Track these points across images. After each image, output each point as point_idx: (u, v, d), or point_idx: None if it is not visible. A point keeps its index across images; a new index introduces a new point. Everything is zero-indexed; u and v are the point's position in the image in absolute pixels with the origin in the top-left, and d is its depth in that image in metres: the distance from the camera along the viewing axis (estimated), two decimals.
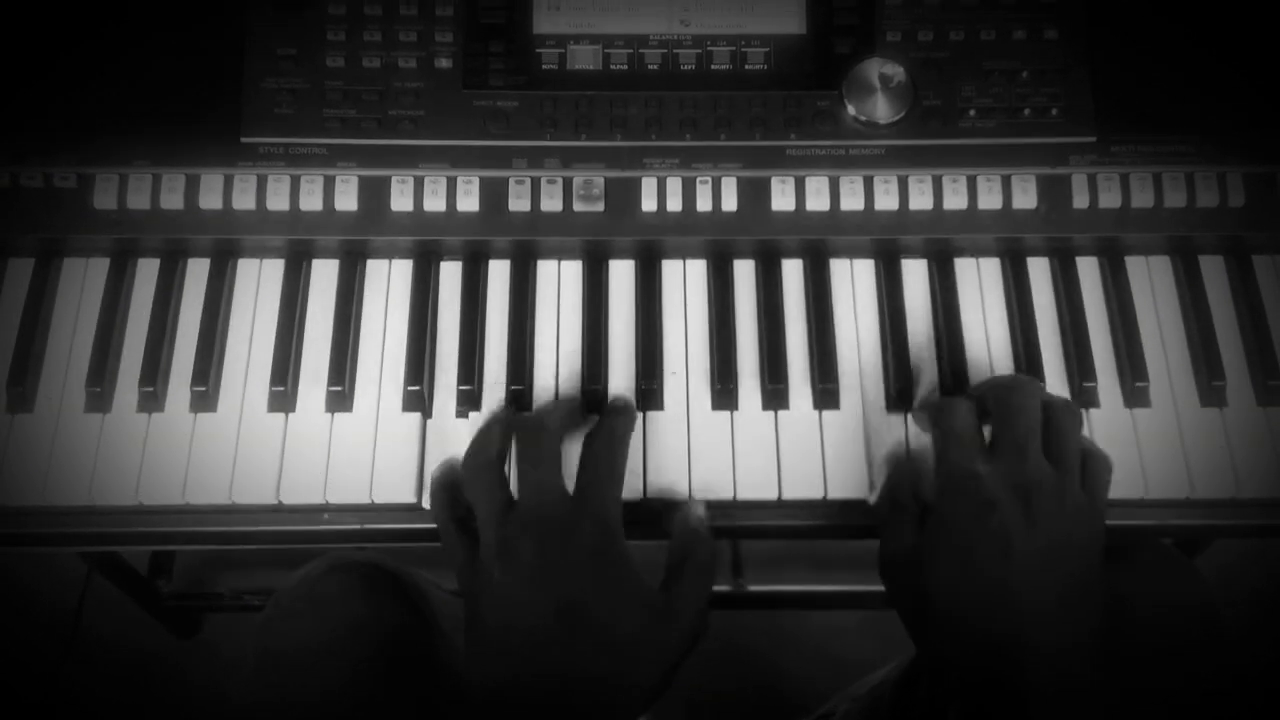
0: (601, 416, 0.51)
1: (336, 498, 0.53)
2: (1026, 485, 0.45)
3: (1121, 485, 0.51)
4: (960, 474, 0.46)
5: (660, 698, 0.47)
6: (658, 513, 0.51)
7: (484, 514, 0.47)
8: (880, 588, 0.50)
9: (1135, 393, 0.55)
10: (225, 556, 1.14)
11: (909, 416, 0.54)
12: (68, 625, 1.12)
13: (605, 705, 0.45)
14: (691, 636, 0.47)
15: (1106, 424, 0.54)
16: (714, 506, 0.51)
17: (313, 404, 0.55)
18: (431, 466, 0.53)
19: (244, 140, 0.56)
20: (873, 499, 0.52)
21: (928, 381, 0.55)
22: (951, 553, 0.46)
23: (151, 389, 0.54)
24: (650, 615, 0.46)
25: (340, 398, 0.54)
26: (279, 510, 0.53)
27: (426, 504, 0.52)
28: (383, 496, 0.53)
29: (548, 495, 0.47)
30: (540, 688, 0.44)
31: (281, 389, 0.54)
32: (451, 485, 0.51)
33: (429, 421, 0.54)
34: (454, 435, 0.54)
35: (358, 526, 0.53)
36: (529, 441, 0.48)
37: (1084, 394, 0.55)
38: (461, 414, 0.54)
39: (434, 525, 0.53)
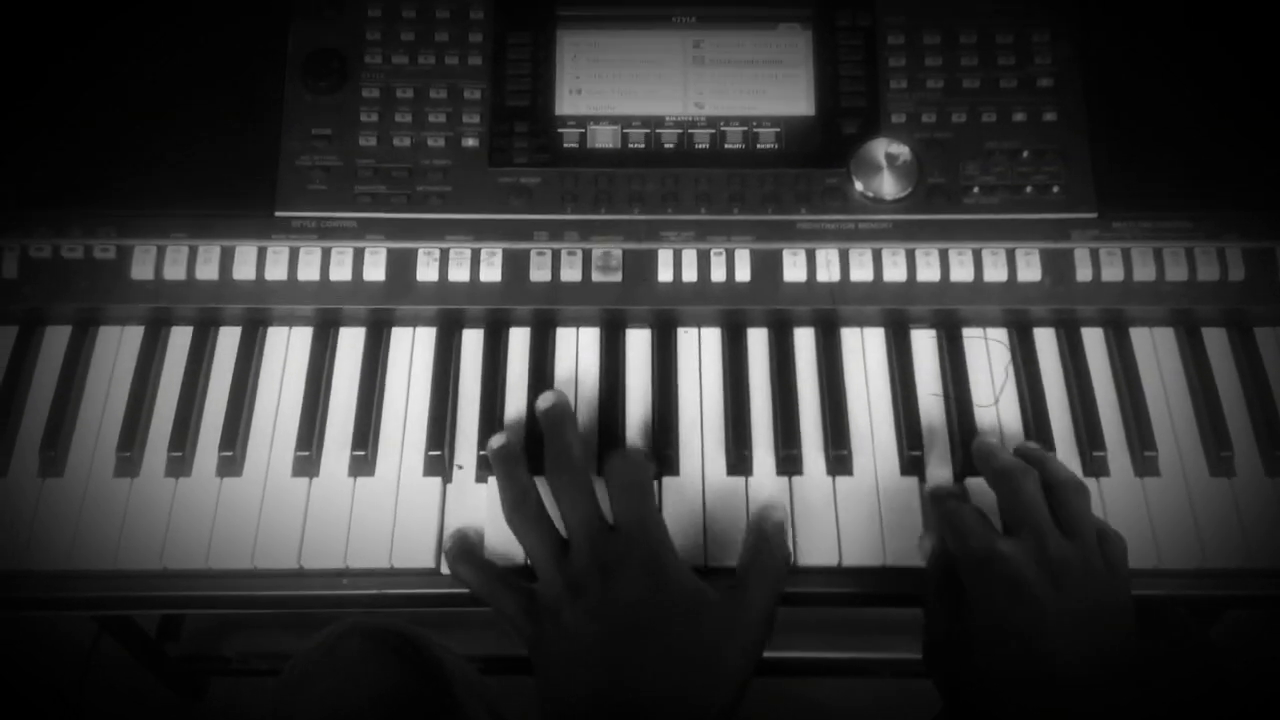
0: (616, 449, 0.53)
1: (357, 562, 0.53)
2: (1051, 560, 0.46)
3: (1134, 554, 0.51)
4: (985, 557, 0.47)
5: (736, 709, 0.47)
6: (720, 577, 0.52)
7: (544, 562, 0.49)
8: (891, 655, 0.50)
9: (1145, 462, 0.55)
10: (235, 619, 1.13)
11: (922, 483, 0.55)
12: (72, 686, 1.11)
13: (688, 714, 0.45)
14: (757, 643, 0.48)
15: (1117, 493, 0.55)
16: (727, 573, 0.52)
17: (336, 469, 0.56)
18: (452, 530, 0.54)
19: (278, 214, 0.59)
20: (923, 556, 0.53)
21: (940, 447, 0.56)
22: (988, 632, 0.47)
23: (180, 454, 0.55)
24: (719, 618, 0.47)
25: (363, 462, 0.56)
26: (300, 575, 0.54)
27: (445, 569, 0.53)
28: (402, 561, 0.53)
29: (595, 529, 0.49)
30: (621, 709, 0.45)
31: (306, 454, 0.56)
32: (473, 552, 0.52)
33: (449, 487, 0.55)
34: (473, 500, 0.55)
35: (376, 591, 0.54)
36: (568, 483, 0.50)
37: (1094, 463, 0.55)
38: (481, 479, 0.55)
39: (453, 590, 0.53)
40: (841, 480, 0.55)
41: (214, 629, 1.14)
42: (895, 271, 0.58)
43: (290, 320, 0.60)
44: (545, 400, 0.54)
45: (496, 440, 0.54)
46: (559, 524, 0.51)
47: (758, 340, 0.59)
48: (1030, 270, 0.58)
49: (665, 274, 0.58)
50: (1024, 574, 0.46)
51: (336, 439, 0.56)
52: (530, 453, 0.53)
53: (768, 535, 0.51)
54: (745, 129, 0.61)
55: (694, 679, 0.46)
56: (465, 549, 0.52)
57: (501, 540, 0.53)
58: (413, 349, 0.59)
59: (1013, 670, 0.46)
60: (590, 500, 0.50)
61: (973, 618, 0.48)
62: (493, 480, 0.55)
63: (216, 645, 1.12)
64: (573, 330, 0.60)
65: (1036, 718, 0.45)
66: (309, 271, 0.58)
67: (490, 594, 0.51)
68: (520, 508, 0.51)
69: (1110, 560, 0.48)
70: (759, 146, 0.61)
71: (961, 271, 0.58)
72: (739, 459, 0.55)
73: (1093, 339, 0.59)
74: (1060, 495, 0.49)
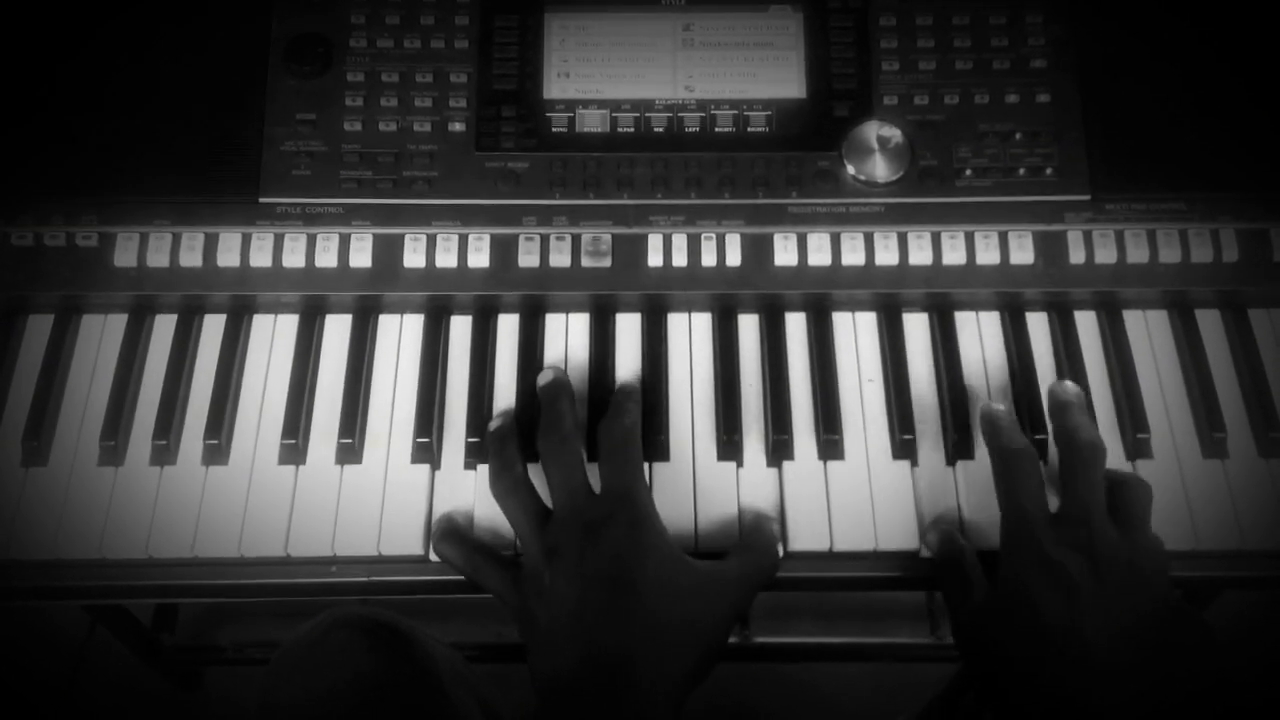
0: (610, 407, 0.53)
1: (345, 550, 0.53)
2: (1096, 549, 0.46)
3: None
4: (1028, 533, 0.47)
5: (708, 674, 0.48)
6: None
7: (525, 528, 0.49)
8: (887, 639, 0.50)
9: (1137, 444, 0.55)
10: (229, 609, 1.13)
11: (914, 467, 0.55)
12: (67, 677, 1.11)
13: (659, 677, 0.45)
14: (733, 610, 0.49)
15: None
16: (717, 557, 0.52)
17: (323, 457, 0.55)
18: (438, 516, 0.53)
19: (262, 200, 0.58)
20: (924, 552, 0.52)
21: (931, 432, 0.56)
22: (1023, 607, 0.46)
23: (165, 442, 0.55)
24: (696, 581, 0.48)
25: (350, 450, 0.55)
26: (287, 563, 0.53)
27: (433, 556, 0.53)
28: (390, 549, 0.53)
29: (579, 495, 0.49)
30: (598, 666, 0.45)
31: (293, 442, 0.55)
32: (456, 531, 0.52)
33: (437, 474, 0.55)
34: (462, 487, 0.54)
35: (365, 579, 0.53)
36: (555, 449, 0.50)
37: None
38: (469, 466, 0.55)
39: (441, 578, 0.53)
40: (833, 465, 0.55)
41: (209, 619, 1.13)
42: (887, 255, 0.57)
43: (276, 308, 0.59)
44: (545, 376, 0.55)
45: (493, 423, 0.54)
46: (548, 500, 0.50)
47: (749, 325, 0.59)
48: (1023, 253, 0.58)
49: (655, 259, 0.58)
50: (1062, 556, 0.46)
51: (323, 427, 0.56)
52: (523, 439, 0.53)
53: (762, 531, 0.51)
54: (736, 112, 0.60)
55: (670, 639, 0.46)
56: (449, 529, 0.52)
57: (490, 523, 0.53)
58: (400, 336, 0.59)
59: (1043, 648, 0.45)
60: (577, 466, 0.50)
61: (1005, 591, 0.48)
62: (481, 468, 0.55)
63: (211, 635, 1.12)
64: (562, 316, 0.59)
65: (1066, 694, 0.44)
66: (294, 258, 0.57)
67: (475, 570, 0.51)
68: (501, 476, 0.51)
69: (1151, 550, 0.48)
70: (750, 130, 0.60)
71: (954, 254, 0.57)
72: (730, 444, 0.55)
73: (1086, 322, 0.59)
74: (1122, 488, 0.49)
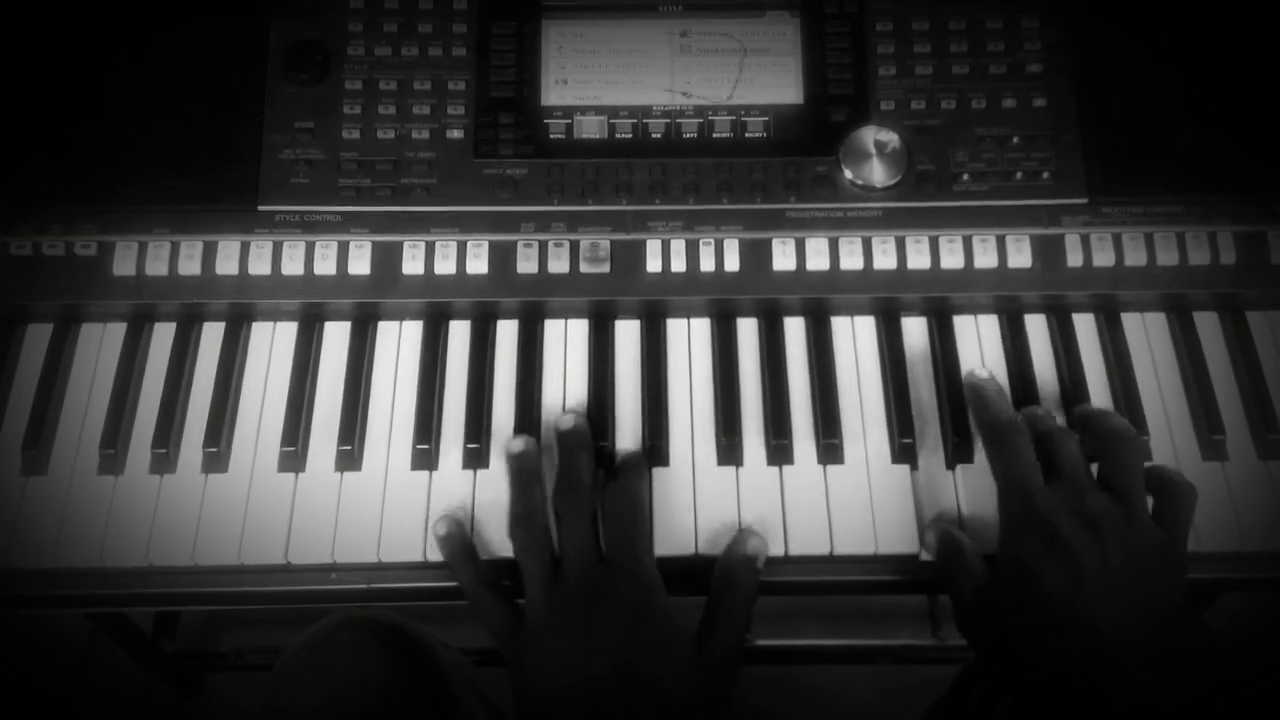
0: (616, 474, 0.52)
1: (344, 557, 0.53)
2: (1088, 513, 0.46)
3: None
4: (1023, 503, 0.47)
5: None
6: (709, 566, 0.51)
7: (535, 586, 0.48)
8: (888, 641, 0.50)
9: None
10: (230, 615, 1.13)
11: (913, 471, 0.55)
12: (69, 683, 1.11)
13: None
14: (727, 682, 0.48)
15: None
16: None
17: (322, 463, 0.55)
18: (445, 515, 0.53)
19: (261, 208, 0.58)
20: (924, 555, 0.52)
21: (931, 436, 0.56)
22: (1023, 582, 0.46)
23: (164, 450, 0.55)
24: (695, 659, 0.47)
25: (349, 457, 0.55)
26: (287, 570, 0.53)
27: (433, 557, 0.52)
28: (390, 555, 0.53)
29: (586, 559, 0.48)
30: None
31: (292, 449, 0.55)
32: (469, 546, 0.52)
33: (436, 480, 0.55)
34: (461, 494, 0.54)
35: (364, 586, 0.53)
36: (570, 508, 0.50)
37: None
38: (468, 469, 0.55)
39: (441, 584, 0.53)
40: (833, 469, 0.55)
41: (210, 625, 1.13)
42: (885, 259, 0.57)
43: (275, 315, 0.59)
44: (566, 422, 0.54)
45: (517, 445, 0.53)
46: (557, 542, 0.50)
47: (747, 330, 0.59)
48: (1021, 256, 0.58)
49: (654, 264, 0.58)
50: (1059, 525, 0.45)
51: (323, 434, 0.56)
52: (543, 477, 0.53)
53: (738, 564, 0.50)
54: (734, 118, 0.60)
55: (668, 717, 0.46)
56: (461, 545, 0.52)
57: (489, 531, 0.53)
58: (399, 343, 0.59)
59: (1046, 619, 0.45)
60: (589, 529, 0.49)
61: (1006, 568, 0.47)
62: (479, 471, 0.54)
63: (213, 641, 1.12)
64: (561, 322, 0.59)
65: (1071, 663, 0.44)
66: (293, 266, 0.57)
67: (476, 598, 0.50)
68: (525, 524, 0.50)
69: (1171, 516, 0.47)
70: (747, 135, 0.60)
71: (952, 259, 0.58)
72: (729, 449, 0.55)
73: (1084, 325, 0.59)
74: (1107, 446, 0.48)
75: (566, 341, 0.59)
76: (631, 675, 0.46)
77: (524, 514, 0.50)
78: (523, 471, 0.52)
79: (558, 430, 0.53)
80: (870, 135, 0.59)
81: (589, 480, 0.51)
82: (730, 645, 0.48)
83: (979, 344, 0.58)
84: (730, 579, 0.50)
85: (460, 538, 0.52)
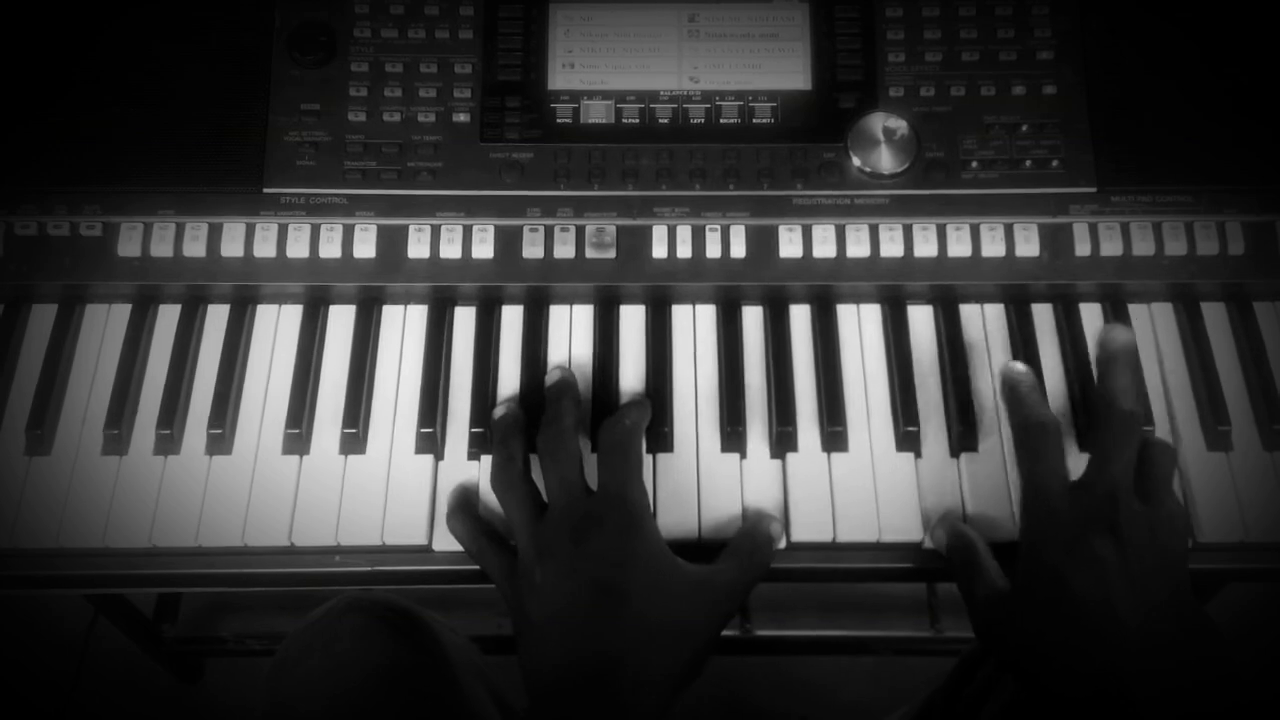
0: (619, 410, 0.53)
1: (348, 540, 0.53)
2: (1121, 525, 0.46)
3: None
4: (1050, 509, 0.47)
5: (697, 676, 0.48)
6: (711, 552, 0.52)
7: (520, 523, 0.49)
8: (888, 632, 0.50)
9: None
10: (230, 599, 1.13)
11: (917, 459, 0.55)
12: (70, 668, 1.11)
13: (646, 681, 0.45)
14: (723, 615, 0.49)
15: None
16: (720, 548, 0.51)
17: (327, 447, 0.55)
18: (443, 509, 0.53)
19: (266, 191, 0.58)
20: (928, 543, 0.52)
21: (935, 424, 0.56)
22: (1052, 591, 0.46)
23: (169, 432, 0.55)
24: (686, 586, 0.47)
25: (354, 440, 0.55)
26: (291, 552, 0.53)
27: (438, 545, 0.53)
28: (394, 538, 0.53)
29: (574, 493, 0.49)
30: (586, 668, 0.45)
31: (296, 431, 0.55)
32: (469, 507, 0.52)
33: (441, 464, 0.55)
34: (465, 477, 0.54)
35: (368, 569, 0.53)
36: (552, 445, 0.50)
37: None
38: (473, 456, 0.55)
39: (444, 568, 0.53)
40: (837, 456, 0.55)
41: (210, 610, 1.14)
42: (892, 247, 0.57)
43: (280, 298, 0.59)
44: (552, 375, 0.55)
45: (498, 410, 0.54)
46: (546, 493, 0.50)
47: (753, 317, 0.59)
48: (1028, 245, 0.57)
49: (660, 250, 0.57)
50: (1085, 529, 0.45)
51: (327, 417, 0.56)
52: (525, 431, 0.53)
53: (756, 536, 0.51)
54: (741, 104, 0.60)
55: (659, 643, 0.46)
56: (463, 501, 0.53)
57: (497, 507, 0.52)
58: (404, 326, 0.59)
59: (1074, 635, 0.45)
60: (573, 463, 0.50)
61: (1030, 573, 0.47)
62: (485, 458, 0.54)
63: (213, 626, 1.13)
64: (566, 308, 0.59)
65: (1097, 667, 0.44)
66: (298, 248, 0.57)
67: (479, 551, 0.51)
68: (502, 470, 0.51)
69: (1171, 519, 0.48)
70: (755, 121, 0.60)
71: (959, 247, 0.57)
72: (734, 436, 0.55)
73: (1090, 314, 0.59)
74: (1146, 451, 0.49)
75: (571, 327, 0.58)
76: (618, 597, 0.46)
77: (499, 462, 0.51)
78: (501, 427, 0.53)
79: (545, 385, 0.54)
80: (879, 122, 0.59)
81: (572, 419, 0.51)
82: (730, 581, 0.49)
83: (985, 332, 0.58)
84: (752, 539, 0.51)
85: (461, 493, 0.53)
